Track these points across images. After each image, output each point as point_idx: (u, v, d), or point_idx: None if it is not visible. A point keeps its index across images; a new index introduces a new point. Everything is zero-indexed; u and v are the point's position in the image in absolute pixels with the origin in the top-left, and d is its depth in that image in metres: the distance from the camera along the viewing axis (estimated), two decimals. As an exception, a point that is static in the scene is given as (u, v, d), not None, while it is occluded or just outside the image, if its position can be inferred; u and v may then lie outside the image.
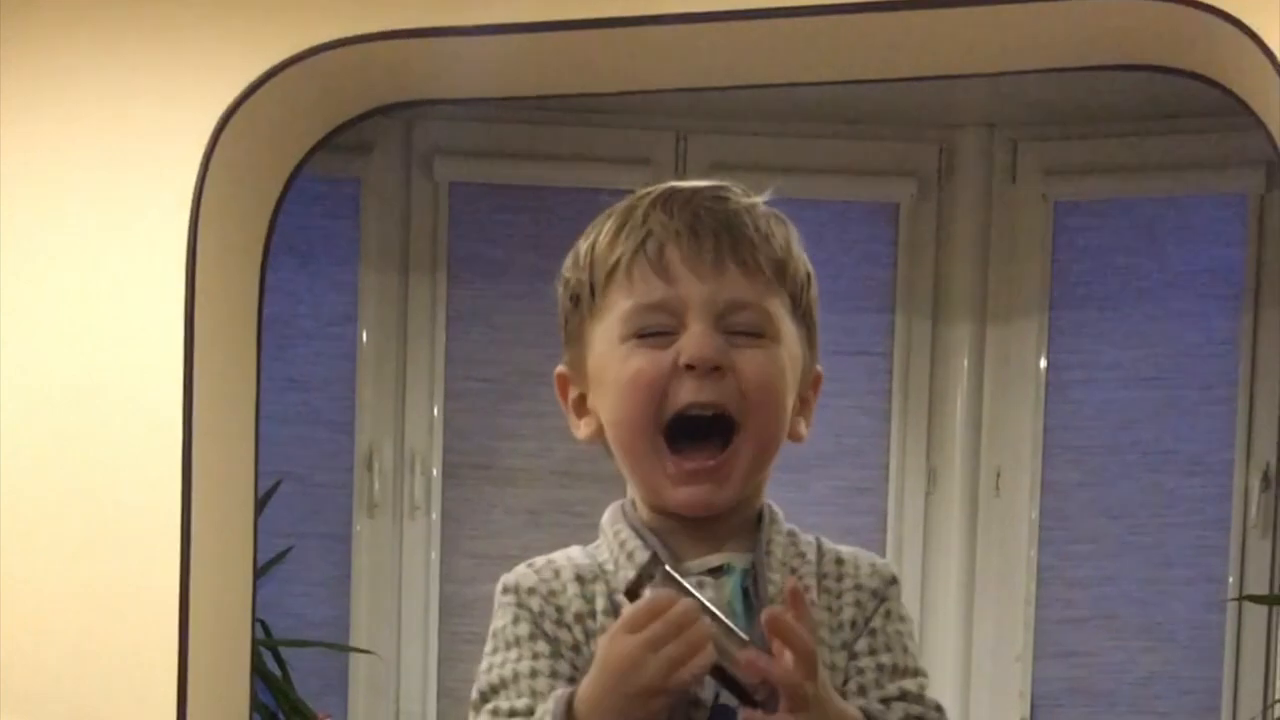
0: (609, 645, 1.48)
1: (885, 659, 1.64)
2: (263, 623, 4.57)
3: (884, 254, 4.87)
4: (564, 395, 1.76)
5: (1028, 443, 4.85)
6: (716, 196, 1.65)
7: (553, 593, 1.64)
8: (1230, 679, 4.69)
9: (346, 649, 4.90)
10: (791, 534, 1.70)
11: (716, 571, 1.63)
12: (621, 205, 1.68)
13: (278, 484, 4.70)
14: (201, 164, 3.70)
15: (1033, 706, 4.86)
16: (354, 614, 4.97)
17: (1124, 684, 4.82)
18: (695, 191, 1.66)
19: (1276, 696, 3.43)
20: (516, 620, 1.63)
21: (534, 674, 1.60)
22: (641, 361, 1.61)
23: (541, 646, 1.61)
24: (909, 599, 2.06)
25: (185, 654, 3.78)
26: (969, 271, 4.83)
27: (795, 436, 1.69)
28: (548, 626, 1.62)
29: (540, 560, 1.69)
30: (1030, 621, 4.85)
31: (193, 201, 3.70)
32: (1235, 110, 3.76)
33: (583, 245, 1.69)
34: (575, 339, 1.71)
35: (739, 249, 1.61)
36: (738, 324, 1.60)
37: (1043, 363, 4.82)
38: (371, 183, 4.90)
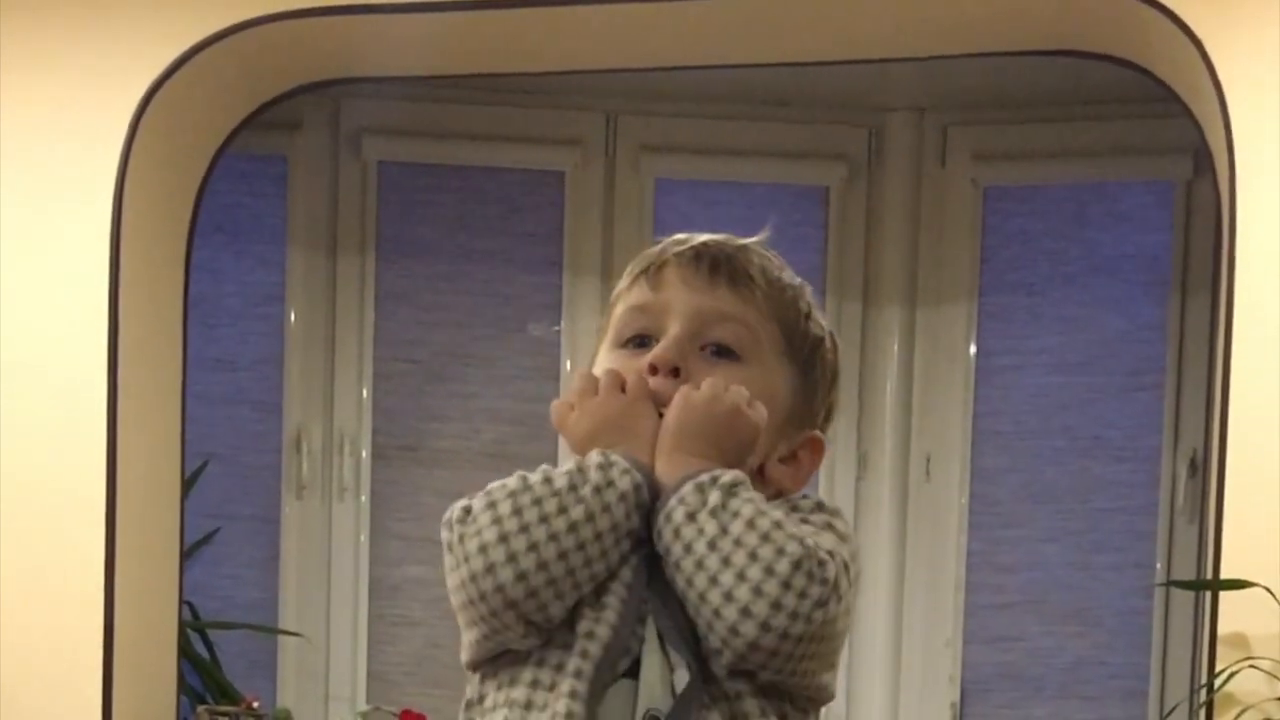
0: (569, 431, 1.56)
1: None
2: (190, 605, 4.55)
3: (814, 237, 4.86)
4: None
5: (958, 428, 4.85)
6: (731, 239, 1.64)
7: None
8: (1158, 664, 4.71)
9: (275, 631, 4.88)
10: None
11: None
12: None
13: (205, 465, 4.68)
14: (125, 141, 3.67)
15: (962, 691, 4.87)
16: (282, 596, 4.95)
17: (1053, 669, 4.83)
18: (716, 236, 1.65)
19: (1203, 681, 3.44)
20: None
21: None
22: (616, 362, 1.60)
23: None
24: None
25: (111, 636, 3.76)
26: (899, 256, 4.83)
27: (773, 481, 1.63)
28: None
29: None
30: (960, 606, 4.87)
31: (117, 179, 3.68)
32: (1164, 97, 3.79)
33: None
34: (595, 357, 1.68)
35: (735, 274, 1.60)
36: (718, 336, 1.58)
37: (972, 348, 4.83)
38: (299, 161, 4.87)
